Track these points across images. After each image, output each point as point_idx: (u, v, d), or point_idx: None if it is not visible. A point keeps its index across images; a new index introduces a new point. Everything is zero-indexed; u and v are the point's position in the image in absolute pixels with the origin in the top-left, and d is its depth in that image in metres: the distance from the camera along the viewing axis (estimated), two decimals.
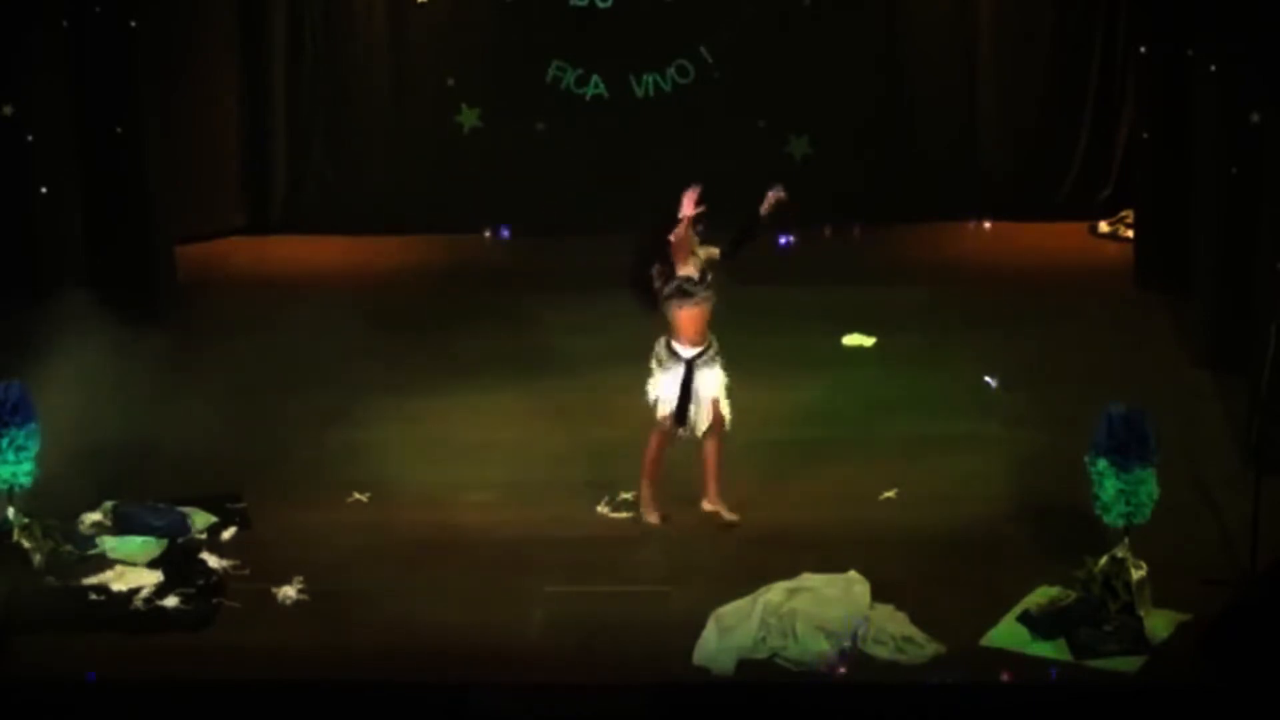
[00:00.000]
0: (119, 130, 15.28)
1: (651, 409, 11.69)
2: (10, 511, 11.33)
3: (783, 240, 16.74)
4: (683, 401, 11.62)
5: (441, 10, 17.03)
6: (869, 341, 14.55)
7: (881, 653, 10.38)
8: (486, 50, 17.06)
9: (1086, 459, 10.66)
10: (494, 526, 11.88)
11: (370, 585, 11.13)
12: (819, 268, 16.33)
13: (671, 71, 17.08)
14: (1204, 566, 11.00)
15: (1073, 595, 10.64)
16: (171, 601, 11.05)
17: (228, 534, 11.81)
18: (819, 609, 10.55)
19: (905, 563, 11.25)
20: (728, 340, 13.82)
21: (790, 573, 10.92)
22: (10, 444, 11.16)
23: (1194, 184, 14.20)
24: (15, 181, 14.81)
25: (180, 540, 11.67)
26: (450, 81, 17.14)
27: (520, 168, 17.02)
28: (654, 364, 11.67)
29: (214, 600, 11.07)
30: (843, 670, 10.27)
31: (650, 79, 17.09)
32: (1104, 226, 16.96)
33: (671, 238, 11.31)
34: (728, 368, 11.83)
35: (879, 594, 10.76)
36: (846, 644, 10.38)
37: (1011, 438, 12.89)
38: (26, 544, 11.31)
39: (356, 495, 12.24)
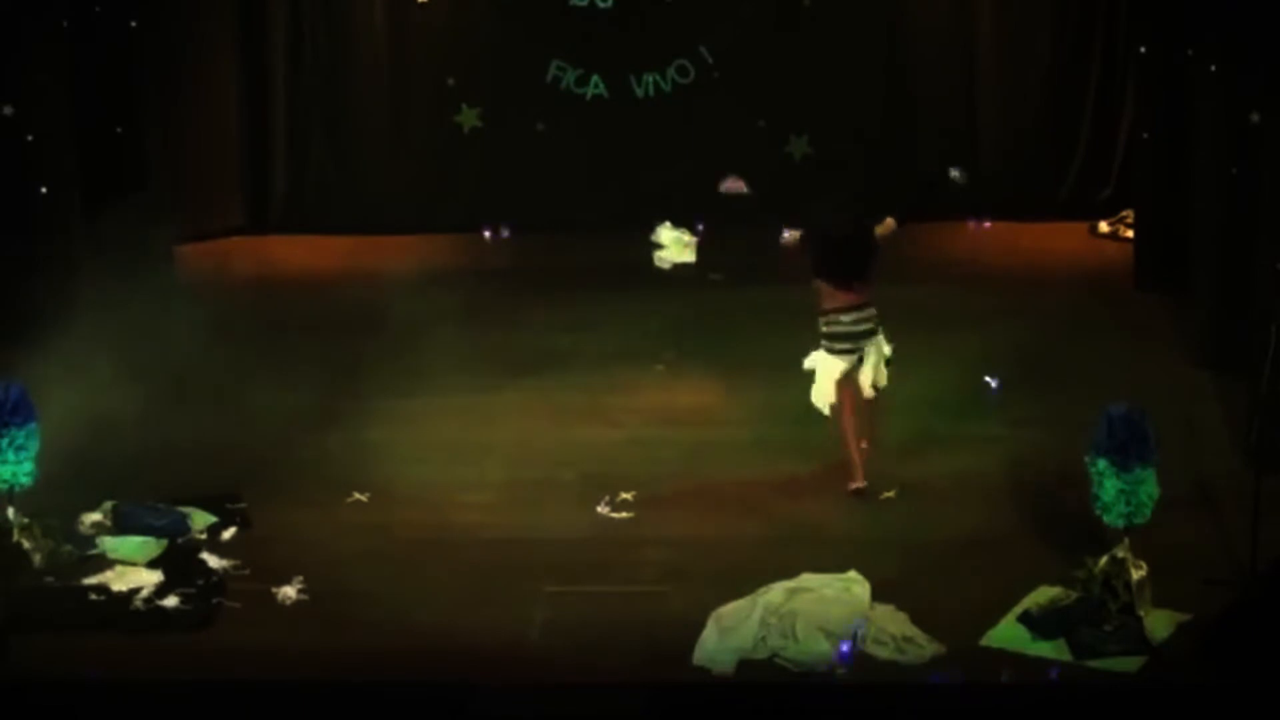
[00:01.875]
0: (119, 130, 15.28)
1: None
2: (10, 511, 11.33)
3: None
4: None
5: (441, 10, 17.02)
6: None
7: (881, 653, 10.37)
8: (486, 50, 17.06)
9: (1086, 459, 10.65)
10: (494, 526, 11.88)
11: (370, 585, 11.12)
12: None
13: (671, 71, 17.07)
14: (1204, 566, 10.99)
15: (1073, 595, 10.64)
16: (171, 601, 11.05)
17: (228, 534, 11.81)
18: (819, 609, 10.55)
19: (905, 563, 11.25)
20: (728, 341, 13.88)
21: (790, 573, 10.92)
22: (10, 444, 11.16)
23: (1194, 184, 14.20)
24: (15, 181, 14.80)
25: (180, 540, 11.67)
26: (450, 81, 17.13)
27: (520, 168, 17.02)
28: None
29: (214, 600, 11.07)
30: (843, 670, 10.27)
31: (650, 79, 17.08)
32: (1104, 226, 16.95)
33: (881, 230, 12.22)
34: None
35: (879, 594, 10.76)
36: (846, 644, 10.38)
37: (1011, 438, 12.89)
38: (26, 544, 11.31)
39: (356, 495, 12.24)
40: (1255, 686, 9.96)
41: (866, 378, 12.12)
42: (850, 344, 12.10)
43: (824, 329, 12.16)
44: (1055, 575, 10.90)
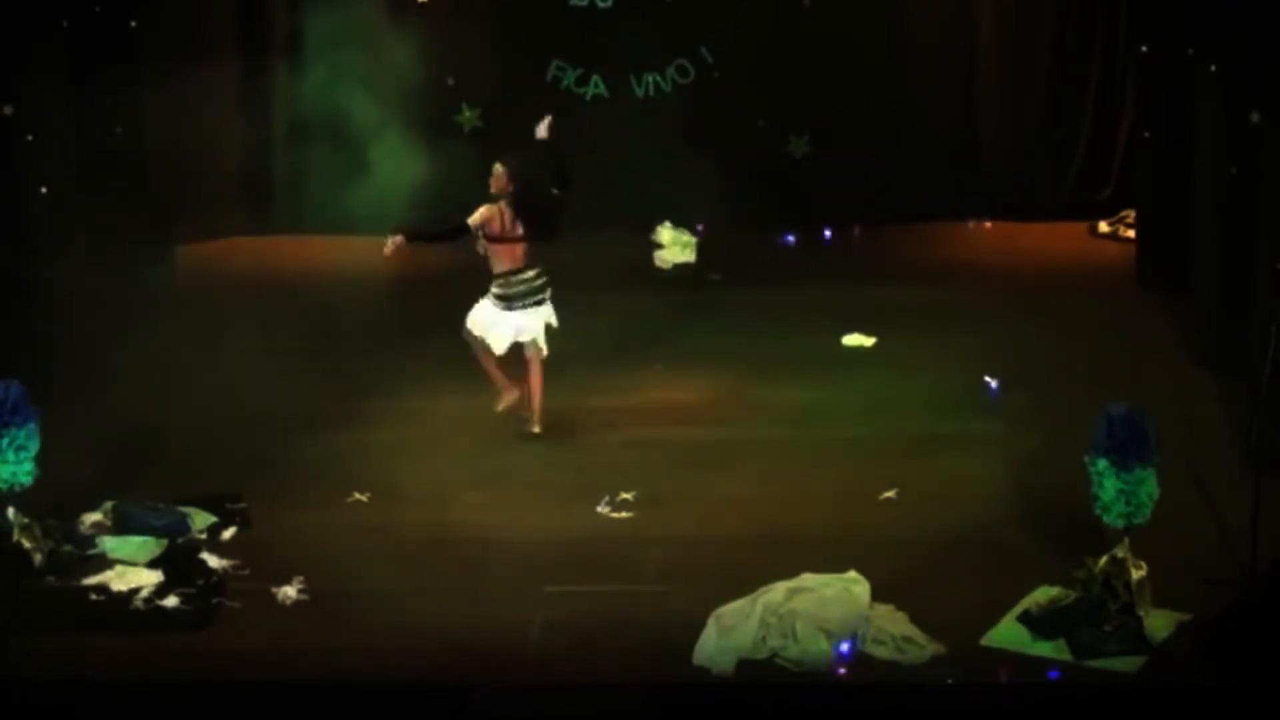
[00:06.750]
0: (119, 130, 15.28)
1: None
2: (10, 511, 11.33)
3: (789, 238, 16.80)
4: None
5: (441, 10, 17.02)
6: (869, 341, 14.56)
7: (881, 653, 10.37)
8: (486, 50, 17.05)
9: (1086, 459, 10.65)
10: (494, 526, 11.88)
11: (370, 585, 11.12)
12: (819, 268, 16.33)
13: (671, 71, 17.08)
14: (1204, 566, 10.99)
15: (1073, 595, 10.63)
16: (171, 601, 11.05)
17: (228, 534, 11.81)
18: (819, 609, 10.55)
19: (905, 563, 11.24)
20: (728, 341, 13.89)
21: (790, 573, 10.92)
22: (10, 444, 11.15)
23: (1194, 184, 14.20)
24: (15, 181, 14.80)
25: (180, 540, 11.67)
26: (450, 81, 17.13)
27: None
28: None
29: (214, 600, 11.07)
30: (843, 670, 10.27)
31: (650, 79, 17.08)
32: (1104, 226, 16.96)
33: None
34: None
35: (879, 594, 10.75)
36: (846, 644, 10.38)
37: (1011, 438, 12.89)
38: (26, 544, 11.31)
39: (356, 495, 12.24)
40: (1255, 686, 9.96)
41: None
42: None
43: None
44: (1055, 575, 10.90)
